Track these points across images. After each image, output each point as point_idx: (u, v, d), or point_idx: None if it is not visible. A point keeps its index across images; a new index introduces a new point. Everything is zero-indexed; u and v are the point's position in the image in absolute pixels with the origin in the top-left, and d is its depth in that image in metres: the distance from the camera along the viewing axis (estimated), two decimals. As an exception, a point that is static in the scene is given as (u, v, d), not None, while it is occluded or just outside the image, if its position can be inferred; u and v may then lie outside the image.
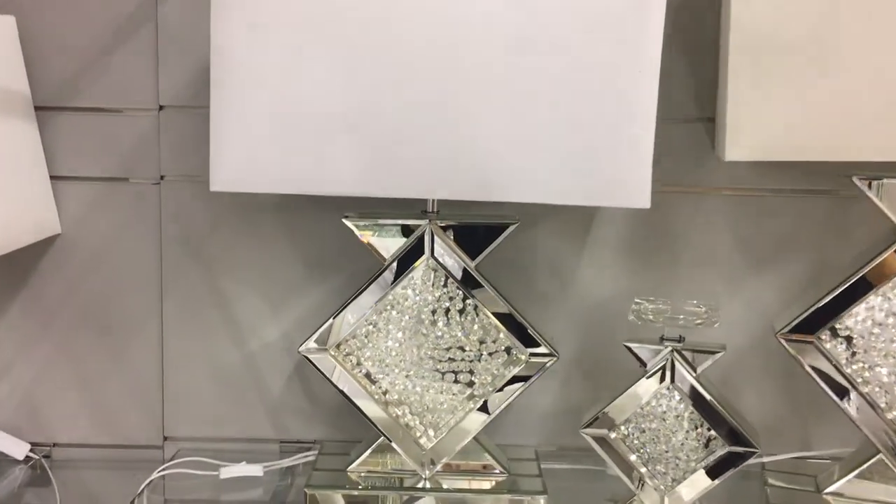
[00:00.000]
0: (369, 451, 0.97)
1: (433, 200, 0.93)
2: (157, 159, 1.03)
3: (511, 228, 0.92)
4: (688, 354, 0.89)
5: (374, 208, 0.92)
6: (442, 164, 0.84)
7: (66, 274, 1.06)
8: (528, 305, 0.97)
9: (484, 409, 0.94)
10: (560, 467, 1.03)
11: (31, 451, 1.06)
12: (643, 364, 0.90)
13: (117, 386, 1.08)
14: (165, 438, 1.09)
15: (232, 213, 1.04)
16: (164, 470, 1.01)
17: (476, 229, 0.93)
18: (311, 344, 0.93)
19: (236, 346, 1.07)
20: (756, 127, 0.85)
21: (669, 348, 0.89)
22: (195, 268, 1.06)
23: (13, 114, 0.96)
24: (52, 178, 1.03)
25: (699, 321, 0.88)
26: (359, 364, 0.94)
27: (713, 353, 0.89)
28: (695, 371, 0.89)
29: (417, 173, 0.84)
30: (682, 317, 0.88)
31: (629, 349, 0.90)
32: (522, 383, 0.93)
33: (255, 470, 1.01)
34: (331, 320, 0.92)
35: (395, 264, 0.92)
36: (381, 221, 0.92)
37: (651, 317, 0.88)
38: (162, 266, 1.06)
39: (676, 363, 0.88)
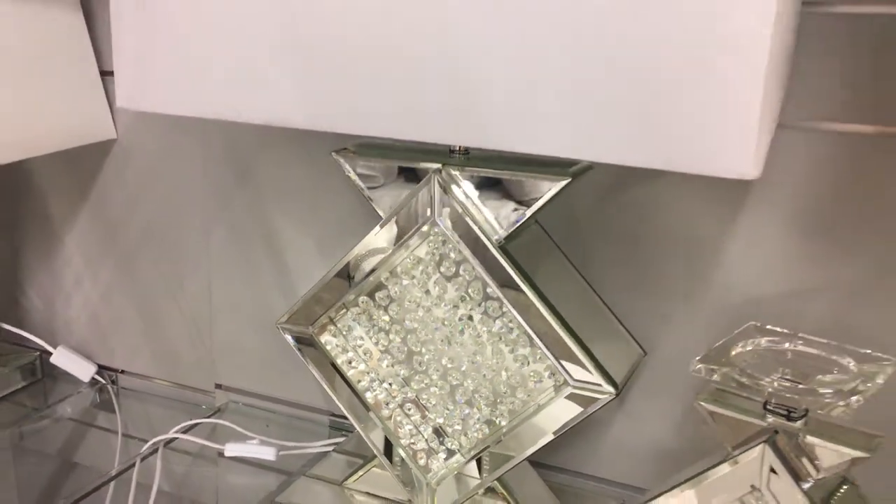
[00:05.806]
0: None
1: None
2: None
3: (556, 190, 0.58)
4: (809, 443, 0.51)
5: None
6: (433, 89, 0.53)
7: (126, 185, 0.94)
8: (640, 297, 0.70)
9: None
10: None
11: (97, 373, 0.99)
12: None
13: (173, 319, 0.96)
14: (218, 386, 0.95)
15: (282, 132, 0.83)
16: (211, 416, 0.92)
17: (508, 184, 0.61)
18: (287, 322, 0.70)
19: (284, 294, 0.88)
20: None
21: (765, 436, 0.51)
22: (241, 194, 0.87)
23: (57, 3, 0.84)
24: (102, 74, 0.90)
25: (832, 395, 0.49)
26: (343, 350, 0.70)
27: (858, 452, 0.50)
28: (813, 475, 0.51)
29: (378, 95, 0.54)
30: (780, 383, 0.49)
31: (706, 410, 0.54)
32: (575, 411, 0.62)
33: (267, 452, 0.82)
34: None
35: (390, 227, 0.64)
36: (375, 161, 0.64)
37: (717, 378, 0.51)
38: (206, 192, 0.89)
39: (776, 458, 0.51)
